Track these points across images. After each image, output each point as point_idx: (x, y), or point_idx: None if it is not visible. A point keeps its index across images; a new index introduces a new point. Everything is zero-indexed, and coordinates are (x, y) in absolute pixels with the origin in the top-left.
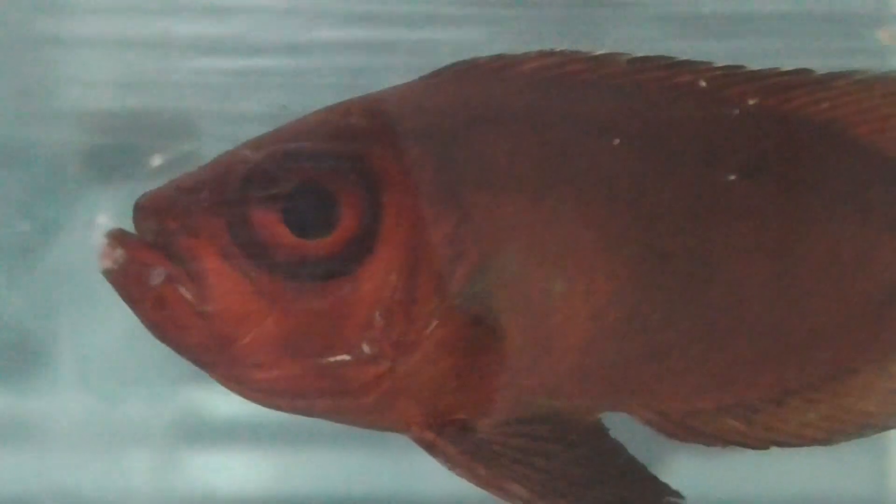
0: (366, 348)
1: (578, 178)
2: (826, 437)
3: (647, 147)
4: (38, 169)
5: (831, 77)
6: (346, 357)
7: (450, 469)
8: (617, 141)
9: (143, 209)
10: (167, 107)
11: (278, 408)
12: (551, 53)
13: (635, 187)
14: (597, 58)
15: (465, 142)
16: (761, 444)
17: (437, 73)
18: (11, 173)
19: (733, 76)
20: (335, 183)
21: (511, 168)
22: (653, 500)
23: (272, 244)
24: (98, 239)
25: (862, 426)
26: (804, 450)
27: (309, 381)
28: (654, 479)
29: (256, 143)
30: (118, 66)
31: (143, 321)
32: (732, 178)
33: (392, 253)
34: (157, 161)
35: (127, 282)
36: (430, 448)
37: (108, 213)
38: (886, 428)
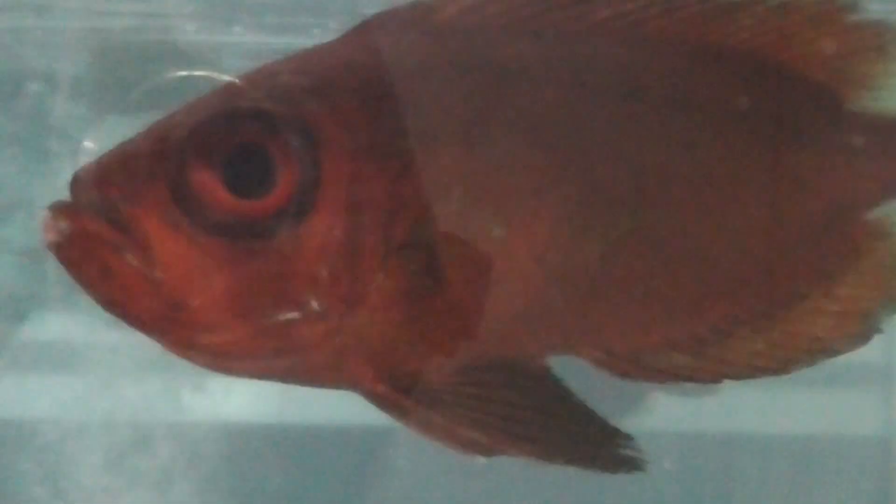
0: (314, 305)
1: (509, 124)
2: (777, 366)
3: (573, 88)
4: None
5: (746, 4)
6: (295, 315)
7: (403, 423)
8: (543, 85)
9: (84, 180)
10: None
11: (232, 372)
12: None
13: (565, 128)
14: None
15: (396, 95)
16: (712, 378)
17: (359, 28)
18: None
19: (649, 8)
20: (272, 142)
21: (443, 118)
22: (603, 442)
23: (214, 206)
24: (41, 213)
25: (813, 352)
26: (810, 388)
27: (260, 342)
28: (605, 421)
29: (190, 109)
30: None
31: (89, 293)
32: (662, 112)
33: (333, 208)
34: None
35: (72, 253)
36: (384, 401)
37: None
38: (836, 353)
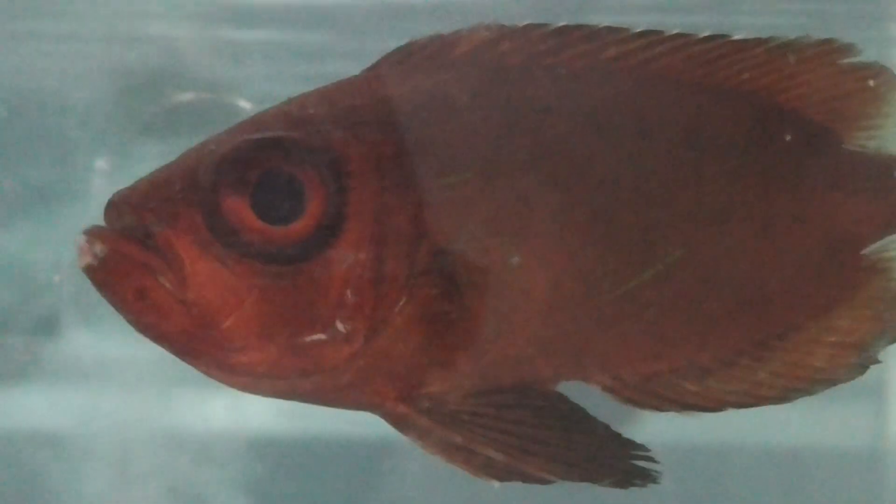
0: (340, 327)
1: (525, 157)
2: (778, 394)
3: (585, 124)
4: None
5: (749, 45)
6: (321, 336)
7: (421, 444)
8: (557, 120)
9: (119, 205)
10: None
11: (261, 392)
12: (483, 29)
13: (579, 163)
14: (522, 31)
15: (418, 128)
16: (716, 406)
17: (380, 63)
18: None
19: (655, 45)
20: (301, 170)
21: (463, 150)
22: (620, 455)
23: (245, 231)
24: (77, 238)
25: (812, 381)
26: (802, 401)
27: (288, 362)
28: (619, 435)
29: (222, 138)
30: None
31: (123, 314)
32: (669, 149)
33: (359, 234)
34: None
35: (107, 276)
36: (404, 422)
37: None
38: (835, 382)
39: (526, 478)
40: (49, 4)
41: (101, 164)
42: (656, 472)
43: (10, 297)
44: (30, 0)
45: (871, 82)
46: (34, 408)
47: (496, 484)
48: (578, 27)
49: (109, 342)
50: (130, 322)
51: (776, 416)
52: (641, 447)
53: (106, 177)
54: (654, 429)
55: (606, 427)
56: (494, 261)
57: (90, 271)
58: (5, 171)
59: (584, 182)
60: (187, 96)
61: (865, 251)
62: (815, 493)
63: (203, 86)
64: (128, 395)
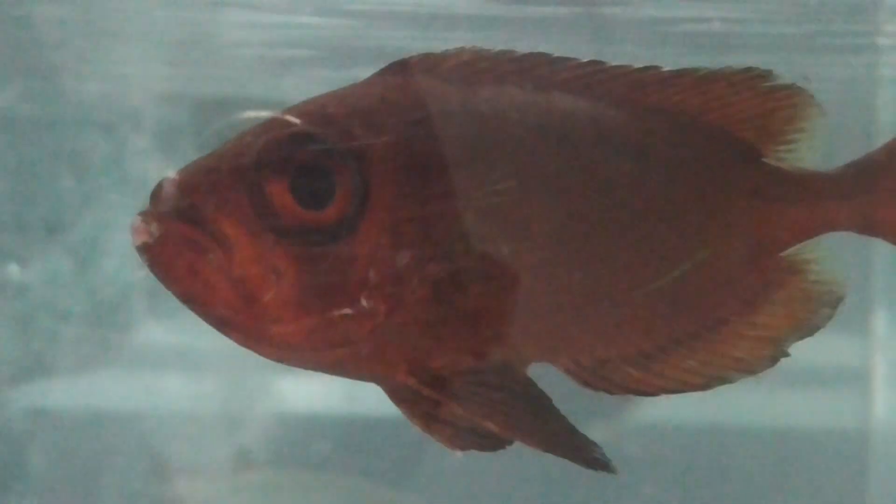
0: (364, 302)
1: (510, 160)
2: (704, 381)
3: (557, 132)
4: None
5: (679, 73)
6: (348, 311)
7: (409, 414)
8: (529, 126)
9: (168, 189)
10: None
11: (292, 362)
12: (465, 51)
13: (551, 168)
14: (496, 55)
15: (423, 126)
16: (652, 391)
17: (381, 72)
18: None
19: (601, 72)
20: (331, 161)
21: (461, 149)
22: (585, 447)
23: (284, 214)
24: (133, 219)
25: (733, 370)
26: (791, 384)
27: (319, 334)
28: (574, 427)
29: (257, 131)
30: None
31: (173, 289)
32: (617, 159)
33: (379, 220)
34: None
35: (161, 254)
36: (412, 395)
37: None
38: (754, 372)
39: (496, 446)
40: (125, 27)
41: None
42: (613, 465)
43: (84, 292)
44: (107, 23)
45: (789, 101)
46: (114, 391)
47: (459, 454)
48: (541, 54)
49: (180, 332)
50: (178, 296)
51: (768, 399)
52: (594, 443)
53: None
54: (649, 411)
55: (564, 418)
56: (491, 251)
57: (145, 249)
58: (83, 176)
59: (553, 187)
60: (248, 113)
61: (783, 254)
62: (804, 471)
63: (262, 104)
64: (197, 379)
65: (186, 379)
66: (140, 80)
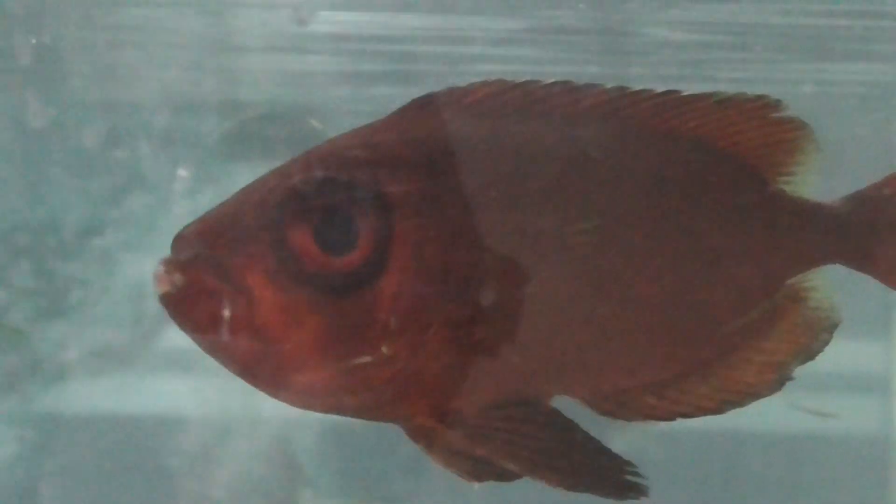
0: (385, 350)
1: (532, 194)
2: (717, 406)
3: (577, 165)
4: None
5: (696, 99)
6: (369, 358)
7: (442, 459)
8: (554, 158)
9: (192, 237)
10: None
11: (312, 408)
12: (488, 83)
13: (573, 200)
14: (520, 85)
15: (449, 166)
16: (668, 416)
17: (404, 109)
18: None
19: (623, 98)
20: (354, 207)
21: (484, 188)
22: (611, 470)
23: (307, 261)
24: (155, 267)
25: (744, 395)
26: (814, 390)
27: (340, 382)
28: (610, 451)
29: (279, 175)
30: None
31: (195, 338)
32: (636, 187)
33: (403, 266)
34: None
35: (183, 303)
36: (431, 435)
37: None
38: (760, 396)
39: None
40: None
41: (181, 171)
42: (645, 485)
43: (121, 296)
44: (123, 35)
45: (791, 134)
46: (148, 393)
47: (476, 485)
48: (563, 83)
49: None
50: (201, 346)
51: (790, 404)
52: (629, 463)
53: (185, 183)
54: None
55: (597, 441)
56: (509, 291)
57: (167, 298)
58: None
59: (574, 218)
60: (258, 112)
61: (788, 282)
62: (827, 477)
63: (277, 107)
64: (225, 383)
65: (212, 382)
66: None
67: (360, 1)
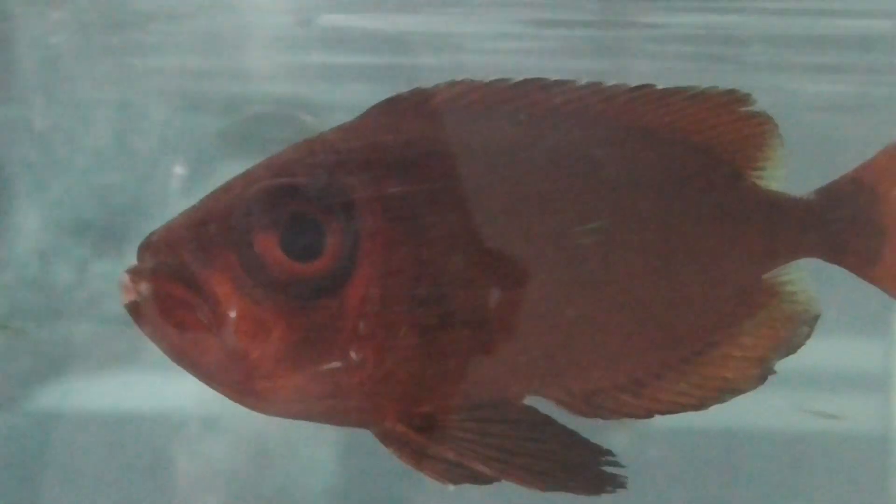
0: (353, 355)
1: (501, 196)
2: (696, 402)
3: (545, 165)
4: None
5: (670, 93)
6: (337, 364)
7: (412, 462)
8: (523, 157)
9: (157, 244)
10: None
11: (279, 414)
12: (456, 84)
13: (541, 201)
14: (488, 85)
15: (411, 171)
16: (647, 413)
17: (369, 113)
18: None
19: (595, 94)
20: (321, 213)
21: (451, 190)
22: (590, 461)
23: (273, 268)
24: (120, 276)
25: (723, 390)
26: (813, 388)
27: (308, 388)
28: (588, 441)
29: (244, 181)
30: None
31: (162, 347)
32: (611, 185)
33: (370, 271)
34: None
35: (149, 313)
36: (401, 439)
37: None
38: (741, 392)
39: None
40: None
41: (178, 169)
42: (624, 477)
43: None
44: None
45: (759, 129)
46: (143, 391)
47: (451, 487)
48: (534, 80)
49: None
50: (168, 354)
51: (789, 402)
52: (608, 452)
53: (182, 179)
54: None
55: (574, 434)
56: (477, 293)
57: (133, 308)
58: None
59: (545, 216)
60: (254, 110)
61: (765, 276)
62: (826, 475)
63: (273, 104)
64: None
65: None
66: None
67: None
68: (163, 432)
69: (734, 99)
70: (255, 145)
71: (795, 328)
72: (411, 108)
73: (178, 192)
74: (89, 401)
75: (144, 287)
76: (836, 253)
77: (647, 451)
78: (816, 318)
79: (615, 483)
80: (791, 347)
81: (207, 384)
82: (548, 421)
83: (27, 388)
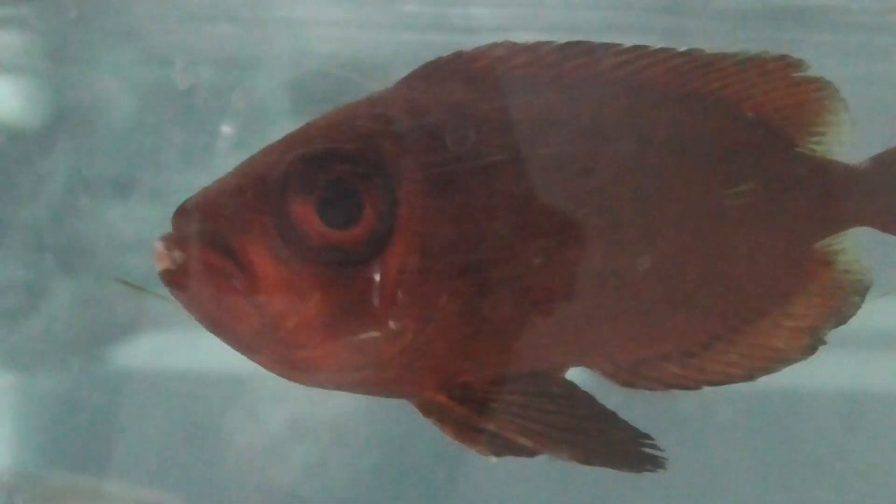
0: (391, 324)
1: (543, 163)
2: (745, 373)
3: (591, 131)
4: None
5: (719, 58)
6: (376, 333)
7: (453, 433)
8: (567, 124)
9: (193, 212)
10: None
11: (317, 384)
12: (497, 46)
13: (586, 168)
14: (531, 48)
15: (451, 137)
16: (696, 385)
17: (411, 76)
18: None
19: (642, 58)
20: (358, 179)
21: (491, 157)
22: (629, 443)
23: (310, 235)
24: (155, 244)
25: (774, 360)
26: (867, 347)
27: (345, 358)
28: (627, 424)
29: (282, 147)
30: None
31: (197, 315)
32: (658, 152)
33: (409, 238)
34: None
35: (185, 280)
36: (441, 410)
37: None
38: (791, 362)
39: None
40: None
41: (225, 128)
42: (663, 457)
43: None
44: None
45: (817, 94)
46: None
47: (494, 460)
48: (578, 43)
49: None
50: (203, 323)
51: (844, 362)
52: (646, 435)
53: (230, 140)
54: None
55: (615, 415)
56: (521, 261)
57: (167, 275)
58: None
59: (590, 186)
60: (302, 71)
61: (816, 245)
62: (878, 435)
63: (330, 62)
64: None
65: None
66: None
67: None
68: (235, 393)
69: (786, 64)
70: (315, 103)
71: (847, 298)
72: (452, 72)
73: (223, 153)
74: (167, 359)
75: (178, 255)
76: (889, 222)
77: (715, 414)
78: (868, 287)
79: (656, 463)
80: (842, 317)
81: (243, 353)
82: (588, 398)
83: (106, 345)
